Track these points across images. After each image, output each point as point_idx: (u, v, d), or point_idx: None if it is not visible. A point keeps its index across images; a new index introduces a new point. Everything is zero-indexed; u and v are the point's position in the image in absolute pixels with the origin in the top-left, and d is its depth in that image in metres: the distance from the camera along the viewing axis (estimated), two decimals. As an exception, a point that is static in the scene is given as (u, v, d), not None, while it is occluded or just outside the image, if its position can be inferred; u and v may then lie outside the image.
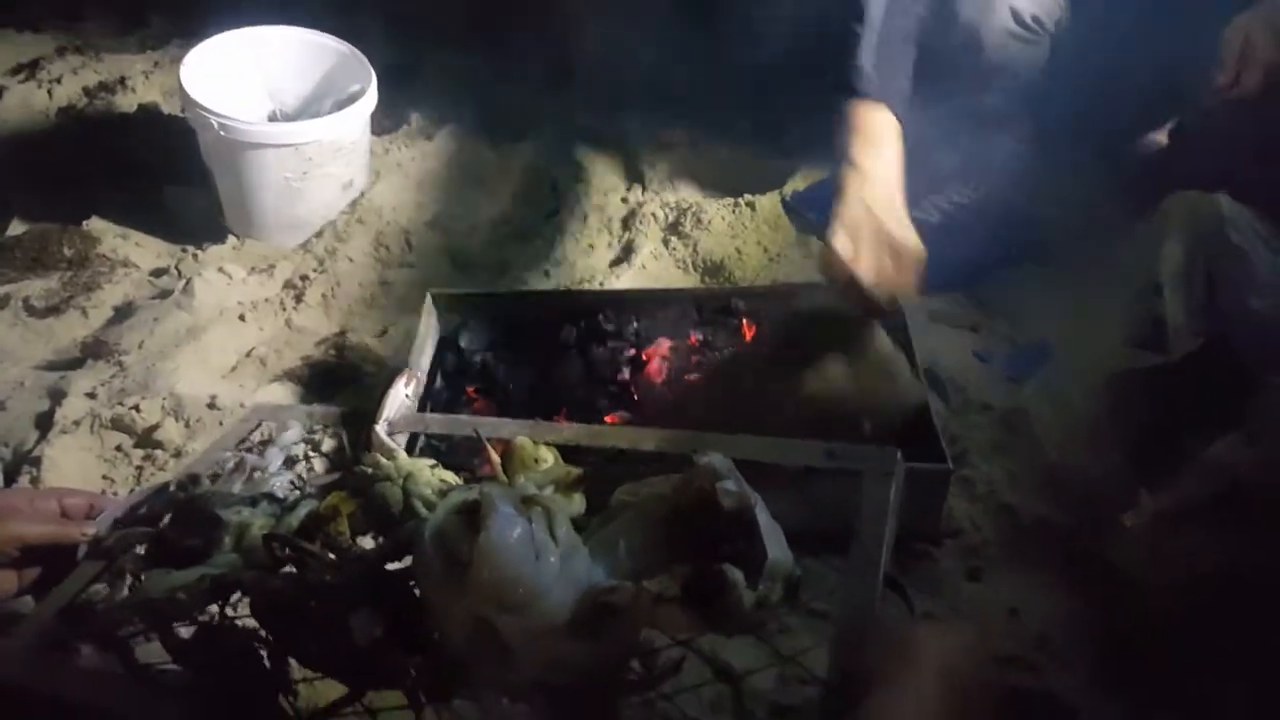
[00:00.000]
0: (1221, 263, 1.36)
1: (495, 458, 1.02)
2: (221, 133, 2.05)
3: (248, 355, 1.92)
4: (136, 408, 1.74)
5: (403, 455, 1.08)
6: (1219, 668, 1.27)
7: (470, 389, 1.72)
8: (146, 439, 1.71)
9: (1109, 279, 1.57)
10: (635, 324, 1.80)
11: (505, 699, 0.86)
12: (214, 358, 1.91)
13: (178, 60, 2.18)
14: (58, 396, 1.82)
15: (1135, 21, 1.85)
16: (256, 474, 1.13)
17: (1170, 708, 1.27)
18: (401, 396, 1.25)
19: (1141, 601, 1.36)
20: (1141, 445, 1.41)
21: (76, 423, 1.74)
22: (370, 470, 1.05)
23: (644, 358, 1.73)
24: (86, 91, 2.63)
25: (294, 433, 1.22)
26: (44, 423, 1.77)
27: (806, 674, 0.85)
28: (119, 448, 1.71)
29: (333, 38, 2.31)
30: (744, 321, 1.78)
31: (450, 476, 1.07)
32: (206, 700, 0.96)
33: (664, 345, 1.75)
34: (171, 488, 1.12)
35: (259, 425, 1.30)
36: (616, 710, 0.88)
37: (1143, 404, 1.42)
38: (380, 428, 1.18)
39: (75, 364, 1.93)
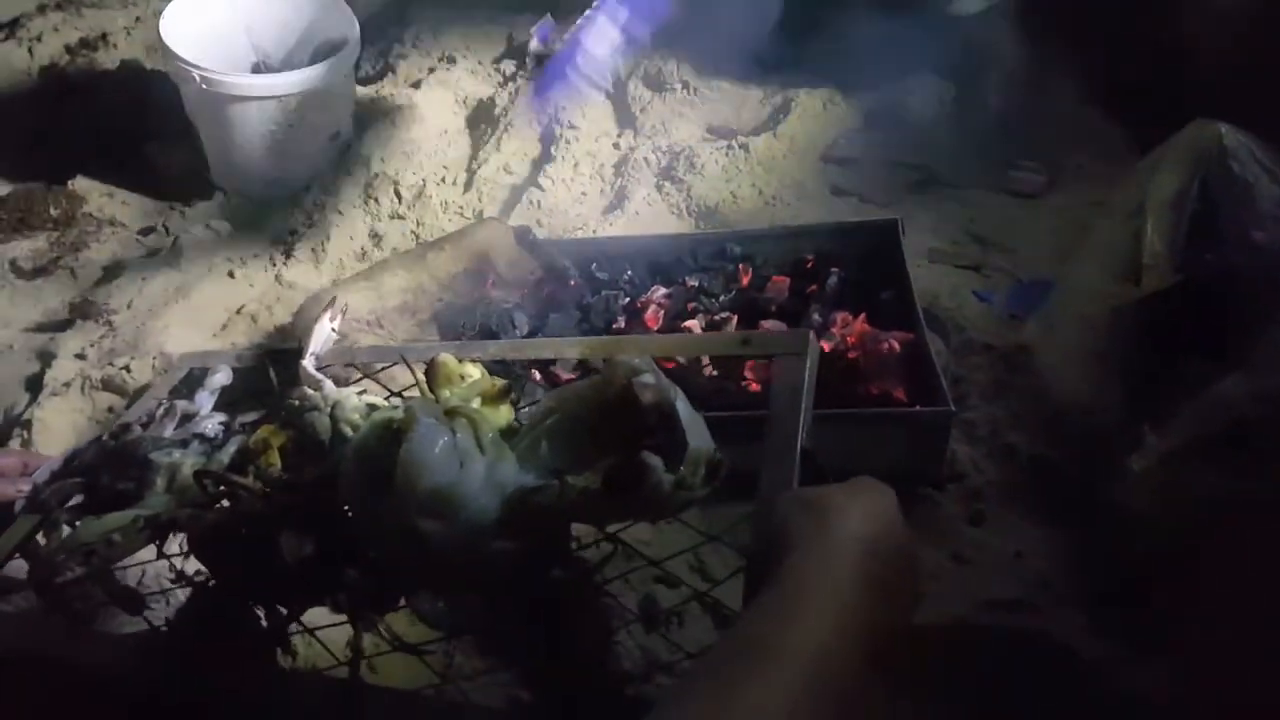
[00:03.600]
0: (1223, 194, 1.33)
1: (420, 377, 1.03)
2: (204, 86, 2.01)
3: (238, 312, 1.89)
4: (127, 368, 1.72)
5: (329, 385, 1.09)
6: (1224, 607, 1.26)
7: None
8: (138, 399, 1.69)
9: (1109, 211, 1.54)
10: (629, 271, 1.78)
11: (440, 603, 0.87)
12: (204, 316, 1.88)
13: (158, 14, 2.13)
14: (47, 358, 1.81)
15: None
16: (187, 418, 1.14)
17: (1175, 647, 1.26)
18: (327, 330, 1.25)
19: (1147, 541, 1.35)
20: (1142, 381, 1.39)
21: (67, 384, 1.72)
22: (298, 402, 1.05)
23: (639, 305, 1.70)
24: (68, 49, 2.58)
25: (223, 375, 1.24)
26: (34, 385, 1.77)
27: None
28: (110, 409, 1.70)
29: (314, -14, 2.25)
30: (739, 266, 1.75)
31: (377, 400, 1.08)
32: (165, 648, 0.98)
33: (659, 292, 1.72)
34: (104, 438, 1.13)
35: (189, 372, 1.31)
36: (552, 605, 0.89)
37: (1141, 339, 1.39)
38: (307, 362, 1.18)
39: (64, 325, 1.92)
